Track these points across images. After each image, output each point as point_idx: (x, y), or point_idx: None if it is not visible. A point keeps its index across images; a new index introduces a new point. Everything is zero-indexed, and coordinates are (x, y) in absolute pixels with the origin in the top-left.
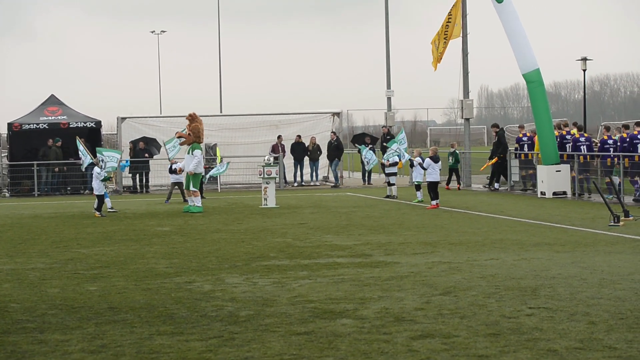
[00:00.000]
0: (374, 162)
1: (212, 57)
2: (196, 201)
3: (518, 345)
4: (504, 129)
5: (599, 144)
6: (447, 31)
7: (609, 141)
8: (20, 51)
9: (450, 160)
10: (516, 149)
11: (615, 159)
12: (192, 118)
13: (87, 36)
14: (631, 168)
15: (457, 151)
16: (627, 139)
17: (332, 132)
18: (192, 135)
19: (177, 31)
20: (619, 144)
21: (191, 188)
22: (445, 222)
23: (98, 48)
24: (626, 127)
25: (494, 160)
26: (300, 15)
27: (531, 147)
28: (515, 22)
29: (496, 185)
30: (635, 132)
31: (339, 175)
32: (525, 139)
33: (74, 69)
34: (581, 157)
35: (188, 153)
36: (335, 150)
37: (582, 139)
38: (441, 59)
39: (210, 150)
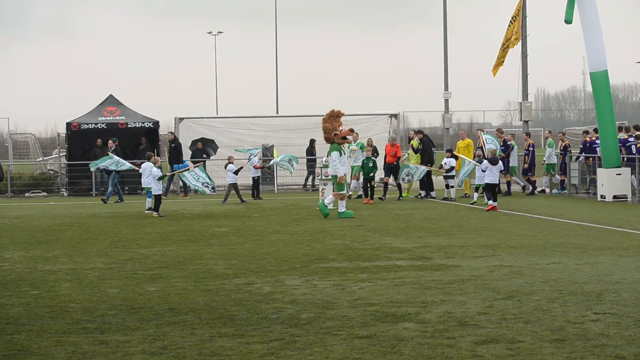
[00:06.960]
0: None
1: (267, 58)
2: (339, 205)
3: (585, 351)
4: (427, 135)
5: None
6: (510, 37)
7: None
8: (65, 51)
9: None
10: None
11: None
12: (328, 117)
13: (128, 34)
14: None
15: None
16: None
17: (170, 132)
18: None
19: (234, 32)
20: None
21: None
22: (505, 225)
23: (146, 47)
24: (586, 132)
25: (429, 168)
26: (352, 16)
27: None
28: (594, 16)
29: (432, 193)
30: (594, 138)
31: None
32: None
33: (122, 68)
34: None
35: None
36: (174, 152)
37: None
38: (501, 64)
39: (267, 152)
